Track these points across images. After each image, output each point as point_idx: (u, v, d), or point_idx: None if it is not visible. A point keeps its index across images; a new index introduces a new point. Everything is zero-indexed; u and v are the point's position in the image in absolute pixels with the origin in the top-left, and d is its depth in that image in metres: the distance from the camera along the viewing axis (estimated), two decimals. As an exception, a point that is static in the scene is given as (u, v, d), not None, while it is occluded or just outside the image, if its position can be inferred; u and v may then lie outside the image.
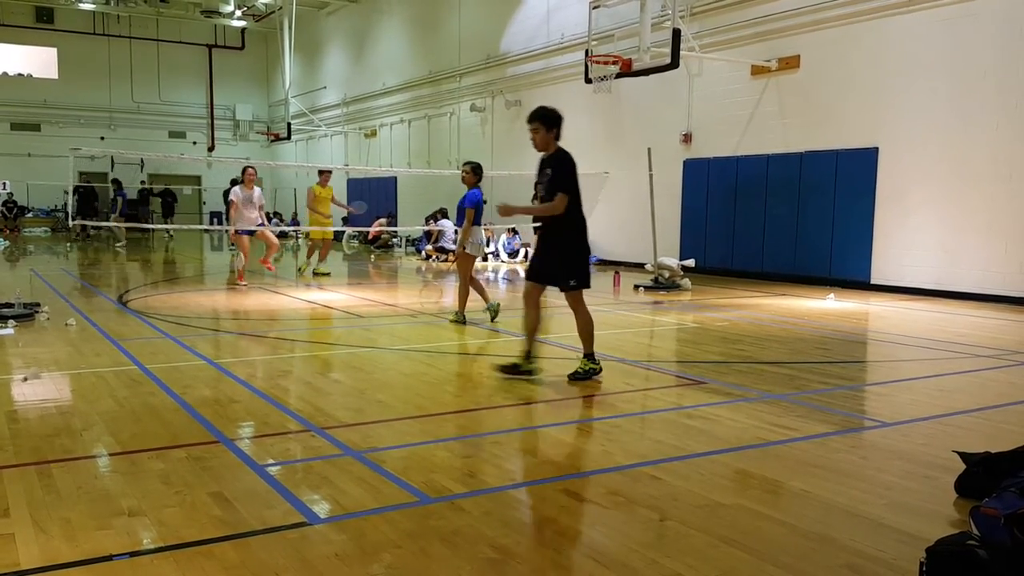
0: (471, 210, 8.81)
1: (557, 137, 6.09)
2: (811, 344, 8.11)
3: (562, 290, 6.13)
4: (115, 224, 23.09)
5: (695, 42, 15.04)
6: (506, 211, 6.11)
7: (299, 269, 14.99)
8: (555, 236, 6.08)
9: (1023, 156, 11.39)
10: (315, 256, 14.95)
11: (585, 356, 6.16)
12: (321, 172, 14.96)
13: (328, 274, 14.72)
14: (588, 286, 6.10)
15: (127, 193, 26.95)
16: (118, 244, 23.56)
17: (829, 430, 4.87)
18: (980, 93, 11.78)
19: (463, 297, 9.02)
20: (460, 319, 8.94)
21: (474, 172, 8.99)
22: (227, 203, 13.26)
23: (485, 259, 20.00)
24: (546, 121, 6.03)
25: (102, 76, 34.27)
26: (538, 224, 6.27)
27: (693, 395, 5.80)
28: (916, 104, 12.60)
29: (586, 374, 6.10)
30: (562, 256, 6.08)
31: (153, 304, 10.54)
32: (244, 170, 13.00)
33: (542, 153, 6.15)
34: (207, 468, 4.01)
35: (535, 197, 6.27)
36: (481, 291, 9.31)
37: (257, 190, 12.86)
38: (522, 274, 16.44)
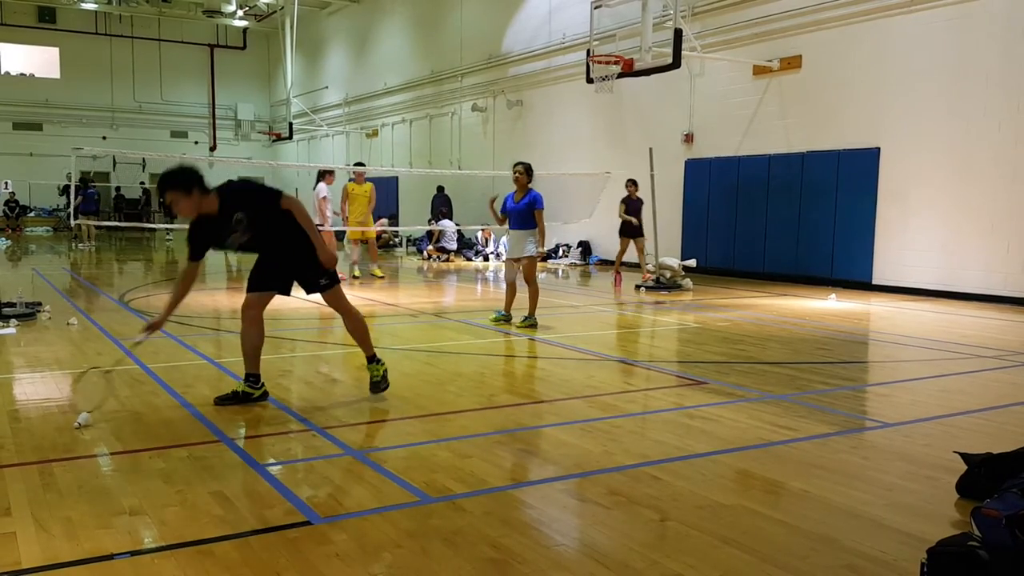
0: (540, 211, 8.69)
1: (203, 191, 4.88)
2: (812, 344, 8.10)
3: (315, 291, 5.32)
4: (82, 223, 22.33)
5: (697, 42, 15.03)
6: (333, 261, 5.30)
7: (373, 274, 14.60)
8: (286, 240, 5.13)
9: (1025, 156, 11.40)
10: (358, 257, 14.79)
11: (369, 360, 5.47)
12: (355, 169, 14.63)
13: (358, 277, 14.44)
14: (339, 281, 5.41)
15: (95, 192, 26.61)
16: (81, 244, 22.68)
17: (830, 430, 4.87)
18: (982, 93, 11.77)
19: (533, 300, 8.89)
20: (531, 322, 8.80)
21: (527, 172, 8.79)
22: (320, 201, 13.28)
23: (486, 259, 20.01)
24: (179, 186, 4.82)
25: (104, 76, 34.32)
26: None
27: (694, 395, 5.80)
28: (918, 104, 12.58)
29: (384, 379, 5.48)
30: (304, 256, 5.18)
31: (155, 304, 10.54)
32: (332, 171, 14.21)
33: (206, 213, 4.94)
34: (208, 467, 4.02)
35: (238, 244, 5.11)
36: (511, 297, 9.11)
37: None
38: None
